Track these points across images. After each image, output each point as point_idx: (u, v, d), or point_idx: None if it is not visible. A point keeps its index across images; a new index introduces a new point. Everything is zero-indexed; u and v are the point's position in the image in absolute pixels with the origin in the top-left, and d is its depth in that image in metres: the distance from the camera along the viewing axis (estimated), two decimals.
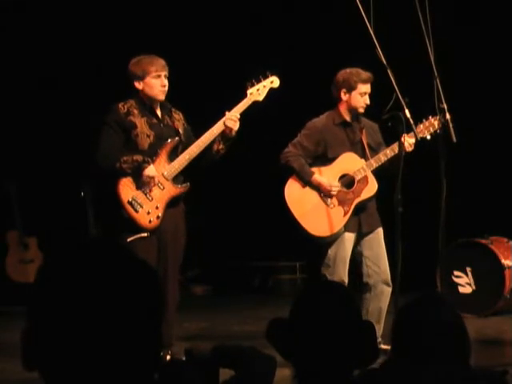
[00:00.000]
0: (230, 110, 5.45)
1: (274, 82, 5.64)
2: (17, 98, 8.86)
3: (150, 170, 5.29)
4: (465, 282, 7.53)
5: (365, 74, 5.66)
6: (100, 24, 8.82)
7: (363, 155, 5.74)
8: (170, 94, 5.42)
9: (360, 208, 5.72)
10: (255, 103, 5.54)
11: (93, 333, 1.40)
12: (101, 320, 1.41)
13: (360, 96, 5.66)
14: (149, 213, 5.31)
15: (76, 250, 1.49)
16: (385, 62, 5.14)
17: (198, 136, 5.47)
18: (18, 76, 8.80)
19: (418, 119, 5.50)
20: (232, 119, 5.39)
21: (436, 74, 5.22)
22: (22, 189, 8.68)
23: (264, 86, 5.61)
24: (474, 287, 7.50)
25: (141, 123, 5.35)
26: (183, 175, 5.47)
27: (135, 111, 5.36)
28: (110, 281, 1.43)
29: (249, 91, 5.55)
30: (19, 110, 8.90)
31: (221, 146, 5.47)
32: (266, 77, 5.63)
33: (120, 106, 5.36)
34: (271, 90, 5.62)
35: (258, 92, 5.57)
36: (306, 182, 5.70)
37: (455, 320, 2.42)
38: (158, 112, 5.45)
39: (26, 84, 8.84)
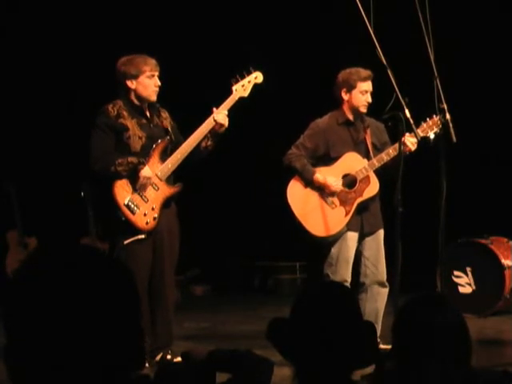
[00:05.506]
0: (217, 107, 5.44)
1: (257, 77, 5.64)
2: (16, 99, 8.86)
3: (146, 171, 5.25)
4: (465, 282, 7.53)
5: (364, 72, 5.66)
6: (97, 24, 8.82)
7: (366, 155, 5.73)
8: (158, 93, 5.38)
9: (362, 208, 5.72)
10: (241, 99, 5.53)
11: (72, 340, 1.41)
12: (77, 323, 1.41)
13: (361, 94, 5.66)
14: (145, 214, 5.27)
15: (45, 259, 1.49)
16: (385, 61, 5.14)
17: (184, 135, 5.45)
18: (17, 76, 8.80)
19: (418, 119, 5.49)
20: (221, 115, 5.37)
21: (436, 74, 5.22)
22: (22, 189, 8.66)
23: (249, 82, 5.60)
24: (474, 287, 7.49)
25: (132, 125, 5.28)
26: (172, 174, 5.43)
27: (125, 113, 5.28)
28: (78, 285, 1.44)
29: (234, 87, 5.54)
30: (19, 111, 8.89)
31: (209, 143, 5.44)
32: (249, 72, 5.62)
33: (109, 108, 5.27)
34: (255, 86, 5.61)
35: (242, 88, 5.56)
36: (308, 181, 5.70)
37: (456, 320, 2.41)
38: (147, 112, 5.39)
39: (25, 84, 8.84)
